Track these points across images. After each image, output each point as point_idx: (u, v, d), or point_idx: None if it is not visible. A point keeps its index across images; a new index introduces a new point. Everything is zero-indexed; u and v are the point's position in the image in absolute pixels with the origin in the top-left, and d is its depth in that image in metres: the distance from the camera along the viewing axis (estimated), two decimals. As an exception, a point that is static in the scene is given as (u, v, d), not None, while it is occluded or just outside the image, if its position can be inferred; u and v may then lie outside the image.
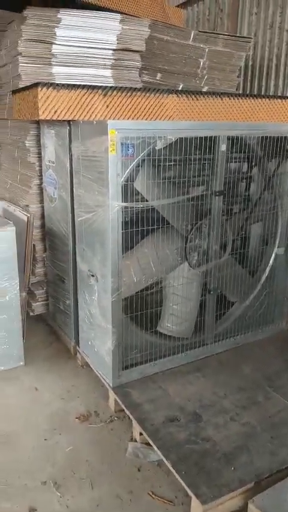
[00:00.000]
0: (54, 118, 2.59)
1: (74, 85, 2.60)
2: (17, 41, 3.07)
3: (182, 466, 2.22)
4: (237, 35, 4.78)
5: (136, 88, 2.83)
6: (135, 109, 2.77)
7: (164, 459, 2.28)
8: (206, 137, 2.74)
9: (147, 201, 2.68)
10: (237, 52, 4.09)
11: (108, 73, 3.36)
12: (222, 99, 3.05)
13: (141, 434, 2.52)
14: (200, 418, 2.57)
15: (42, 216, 3.55)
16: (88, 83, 2.92)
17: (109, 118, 2.71)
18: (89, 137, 2.65)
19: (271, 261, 3.41)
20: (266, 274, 3.40)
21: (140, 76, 3.55)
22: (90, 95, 2.62)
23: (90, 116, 2.66)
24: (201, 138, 2.74)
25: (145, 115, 2.81)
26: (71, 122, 2.85)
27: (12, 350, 3.26)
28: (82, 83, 2.78)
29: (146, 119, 2.82)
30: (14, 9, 3.40)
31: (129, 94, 2.72)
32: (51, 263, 3.54)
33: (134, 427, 2.59)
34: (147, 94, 2.78)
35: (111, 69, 3.37)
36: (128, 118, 2.76)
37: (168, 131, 2.61)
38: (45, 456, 2.50)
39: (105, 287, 2.70)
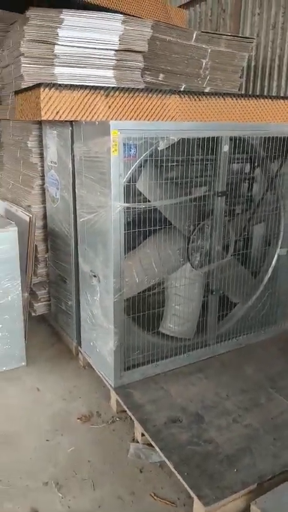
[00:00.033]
0: (57, 118, 2.59)
1: (76, 86, 2.59)
2: (20, 41, 3.07)
3: (184, 467, 2.21)
4: (240, 35, 4.78)
5: (138, 88, 2.82)
6: (137, 109, 2.77)
7: (166, 460, 2.27)
8: (208, 138, 2.74)
9: (149, 201, 2.67)
10: (240, 53, 4.09)
11: (110, 73, 3.36)
12: (224, 99, 3.04)
13: (143, 435, 2.52)
14: (202, 419, 2.57)
15: (44, 217, 3.55)
16: (90, 84, 2.92)
17: (111, 119, 2.70)
18: (91, 138, 2.64)
19: (274, 262, 3.40)
20: (269, 275, 3.40)
21: (142, 77, 3.55)
22: (92, 95, 2.62)
23: (93, 116, 2.66)
24: (203, 139, 2.74)
25: (147, 115, 2.80)
26: (73, 123, 2.85)
27: (14, 350, 3.26)
28: (84, 84, 2.78)
29: (149, 119, 2.81)
30: (16, 10, 3.41)
31: (131, 94, 2.72)
32: (53, 263, 3.54)
33: (136, 428, 2.59)
34: (150, 95, 2.77)
35: (114, 70, 3.37)
36: (130, 119, 2.75)
37: (171, 132, 2.60)
38: (47, 456, 2.49)
39: (107, 288, 2.70)
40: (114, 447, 2.56)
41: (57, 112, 2.57)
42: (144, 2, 3.69)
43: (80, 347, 3.31)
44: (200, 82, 3.96)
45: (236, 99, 3.11)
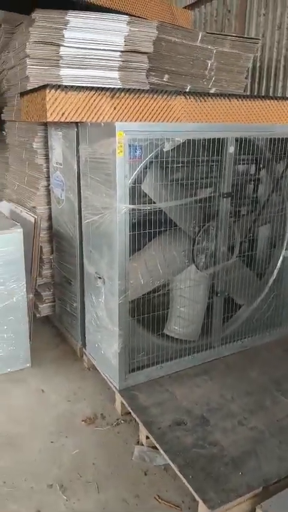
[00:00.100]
0: (62, 120, 2.59)
1: (81, 87, 2.60)
2: (25, 43, 3.08)
3: (189, 471, 2.20)
4: (245, 36, 4.77)
5: (144, 89, 2.82)
6: (142, 110, 2.77)
7: (171, 463, 2.26)
8: (213, 139, 2.73)
9: (154, 203, 2.67)
10: (245, 53, 4.08)
11: (115, 74, 3.36)
12: (230, 100, 3.04)
13: (147, 437, 2.51)
14: (207, 422, 2.55)
15: (50, 218, 3.55)
16: (96, 85, 2.92)
17: (117, 120, 2.70)
18: (97, 139, 2.64)
19: (279, 264, 3.38)
20: (274, 277, 3.38)
21: (147, 78, 3.55)
22: (98, 97, 2.62)
23: (98, 118, 2.66)
24: (209, 140, 2.73)
25: (153, 116, 2.80)
26: (79, 124, 2.85)
27: (19, 351, 3.26)
28: (90, 85, 2.77)
29: (154, 121, 2.81)
30: (22, 12, 3.42)
31: (136, 95, 2.72)
32: (58, 265, 3.54)
33: (141, 430, 2.58)
34: (155, 96, 2.77)
35: (119, 71, 3.37)
36: (135, 120, 2.75)
37: (176, 133, 2.59)
38: (51, 458, 2.49)
39: (112, 289, 2.69)
40: (118, 449, 2.56)
41: (63, 114, 2.57)
42: (150, 3, 3.69)
43: (85, 349, 3.30)
44: (205, 83, 3.95)
45: (242, 100, 3.10)
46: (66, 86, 2.56)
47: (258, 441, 2.41)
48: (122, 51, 3.31)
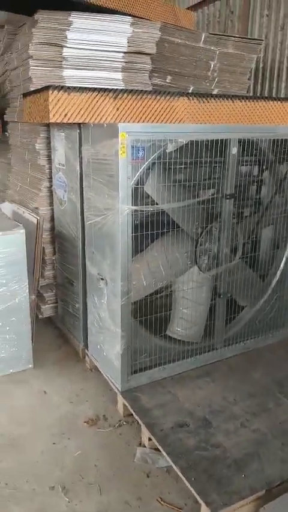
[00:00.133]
0: (65, 121, 2.59)
1: (84, 88, 2.60)
2: (28, 44, 3.08)
3: (192, 473, 2.19)
4: (248, 37, 4.76)
5: (147, 90, 2.82)
6: (145, 111, 2.76)
7: (173, 465, 2.26)
8: (216, 140, 2.72)
9: (157, 204, 2.66)
10: (248, 54, 4.07)
11: (118, 75, 3.36)
12: (233, 101, 3.03)
13: (150, 439, 2.50)
14: (209, 424, 2.54)
15: (52, 219, 3.55)
16: (99, 86, 2.92)
17: (119, 121, 2.70)
18: (99, 140, 2.64)
19: (282, 265, 3.37)
20: (277, 278, 3.37)
21: (150, 79, 3.55)
22: (100, 98, 2.62)
23: (101, 119, 2.66)
24: (212, 141, 2.72)
25: (156, 117, 2.80)
26: (81, 125, 2.85)
27: (21, 352, 3.26)
28: (93, 86, 2.78)
29: (157, 122, 2.81)
30: (25, 13, 3.42)
31: (139, 96, 2.72)
32: (60, 266, 3.54)
33: (143, 432, 2.57)
34: (158, 97, 2.77)
35: (122, 72, 3.36)
36: (138, 121, 2.75)
37: (179, 134, 2.59)
38: (53, 460, 2.48)
39: (115, 291, 2.69)
40: (121, 451, 2.55)
41: (66, 115, 2.57)
42: (153, 4, 3.69)
43: (87, 350, 3.30)
44: (208, 84, 3.94)
45: (245, 101, 3.10)
46: (68, 87, 2.56)
47: (261, 444, 2.40)
48: (125, 53, 3.31)
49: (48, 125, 3.35)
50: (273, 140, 2.99)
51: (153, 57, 3.49)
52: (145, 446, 2.55)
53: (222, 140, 2.75)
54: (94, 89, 2.61)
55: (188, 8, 5.85)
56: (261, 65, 5.19)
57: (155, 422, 2.54)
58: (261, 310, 3.33)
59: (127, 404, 2.73)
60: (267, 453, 2.33)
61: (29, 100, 2.93)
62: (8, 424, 2.77)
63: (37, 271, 3.43)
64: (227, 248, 2.98)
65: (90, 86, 2.89)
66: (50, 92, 2.50)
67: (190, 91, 3.83)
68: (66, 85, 3.04)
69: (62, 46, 3.12)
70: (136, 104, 2.72)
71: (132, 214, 2.54)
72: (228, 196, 2.87)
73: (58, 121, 2.58)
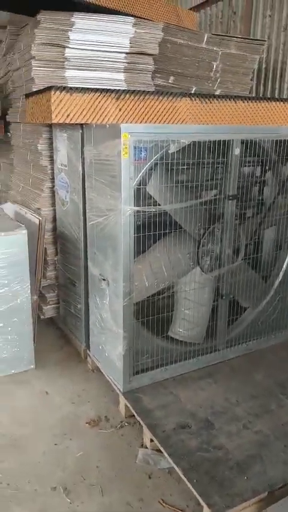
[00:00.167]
0: (67, 121, 2.59)
1: (87, 89, 2.60)
2: (31, 44, 3.08)
3: (194, 474, 2.18)
4: (251, 37, 4.75)
5: (149, 91, 2.81)
6: (148, 112, 2.76)
7: (175, 466, 2.25)
8: (219, 141, 2.72)
9: (159, 205, 2.66)
10: (251, 55, 4.06)
11: (121, 76, 3.36)
12: (235, 102, 3.03)
13: (151, 440, 2.50)
14: (211, 425, 2.54)
15: (54, 219, 3.55)
16: (101, 87, 2.92)
17: (122, 122, 2.70)
18: (102, 141, 2.64)
19: (284, 266, 3.36)
20: (280, 279, 3.36)
21: (152, 79, 3.54)
22: (103, 98, 2.62)
23: (103, 119, 2.65)
24: (214, 142, 2.71)
25: (158, 118, 2.80)
26: (84, 126, 2.85)
27: (23, 353, 3.26)
28: (95, 87, 2.78)
29: (159, 122, 2.81)
30: (27, 13, 3.42)
31: (142, 97, 2.71)
32: (62, 266, 3.54)
33: (145, 433, 2.57)
34: (160, 97, 2.77)
35: (124, 72, 3.36)
36: (140, 122, 2.75)
37: (181, 135, 2.58)
38: (55, 461, 2.48)
39: (117, 291, 2.68)
40: (122, 452, 2.54)
41: (68, 115, 2.57)
42: (155, 5, 3.69)
43: (89, 351, 3.30)
44: (210, 84, 3.94)
45: (247, 102, 3.09)
46: (71, 88, 2.56)
47: (264, 446, 2.39)
48: (127, 53, 3.31)
49: (50, 125, 3.35)
50: (276, 141, 2.99)
51: (156, 58, 3.49)
52: (147, 447, 2.55)
53: (224, 141, 2.74)
54: (96, 90, 2.60)
55: (190, 9, 5.85)
56: (263, 66, 5.19)
57: (157, 423, 2.53)
58: (263, 311, 3.33)
59: (129, 405, 2.72)
60: (270, 455, 2.33)
61: (31, 100, 2.93)
62: (10, 425, 2.77)
63: (39, 272, 3.43)
64: (230, 249, 2.97)
65: (92, 86, 2.89)
66: (53, 92, 2.50)
67: (193, 92, 3.83)
68: (69, 85, 3.04)
69: (64, 47, 3.12)
70: (138, 105, 2.71)
71: (134, 215, 2.53)
72: (230, 197, 2.86)
73: (60, 122, 2.58)
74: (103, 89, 2.63)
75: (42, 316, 3.69)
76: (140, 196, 2.55)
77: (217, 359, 3.17)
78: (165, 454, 2.34)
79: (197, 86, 3.86)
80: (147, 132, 2.48)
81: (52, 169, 3.45)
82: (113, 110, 2.66)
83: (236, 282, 3.10)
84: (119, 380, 2.83)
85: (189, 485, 2.14)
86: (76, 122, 2.64)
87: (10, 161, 4.32)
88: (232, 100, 3.02)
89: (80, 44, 3.14)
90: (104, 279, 2.82)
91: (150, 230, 2.66)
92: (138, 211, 2.55)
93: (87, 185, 2.93)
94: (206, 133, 2.70)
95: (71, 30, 3.08)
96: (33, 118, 2.93)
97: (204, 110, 2.92)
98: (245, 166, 3.04)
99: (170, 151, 2.58)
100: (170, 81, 3.70)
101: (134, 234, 2.56)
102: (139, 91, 2.73)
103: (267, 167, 3.17)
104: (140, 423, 2.62)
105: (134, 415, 2.68)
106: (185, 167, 2.77)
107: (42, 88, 2.76)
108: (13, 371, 3.25)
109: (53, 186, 3.48)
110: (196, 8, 6.02)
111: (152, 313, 2.81)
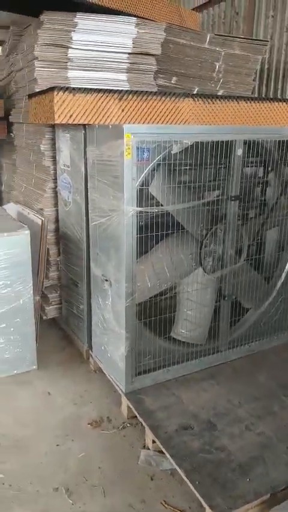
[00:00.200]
0: (70, 122, 2.59)
1: (89, 89, 2.59)
2: (34, 45, 3.08)
3: (196, 476, 2.18)
4: (253, 38, 4.75)
5: (152, 91, 2.81)
6: (150, 112, 2.76)
7: (177, 468, 2.24)
8: (222, 142, 2.71)
9: (162, 205, 2.65)
10: (254, 55, 4.06)
11: (123, 76, 3.36)
12: (238, 103, 3.02)
13: (154, 441, 2.49)
14: (214, 427, 2.53)
15: (57, 220, 3.55)
16: (104, 87, 2.91)
17: (125, 122, 2.70)
18: (105, 142, 2.63)
19: (287, 267, 3.35)
20: (282, 280, 3.35)
21: (155, 80, 3.54)
22: (105, 99, 2.62)
23: (106, 120, 2.65)
24: (217, 142, 2.71)
25: (161, 118, 2.79)
26: (87, 126, 2.85)
27: (25, 353, 3.26)
28: (98, 87, 2.77)
29: (162, 123, 2.80)
30: (30, 14, 3.42)
31: (144, 97, 2.71)
32: (65, 267, 3.54)
33: (147, 434, 2.56)
34: (163, 98, 2.76)
35: (127, 73, 3.36)
36: (143, 122, 2.74)
37: (184, 135, 2.58)
38: (57, 462, 2.48)
39: (119, 292, 2.68)
40: (124, 453, 2.54)
41: (71, 116, 2.57)
42: (158, 5, 3.68)
43: (91, 351, 3.29)
44: (213, 85, 3.93)
45: (250, 102, 3.09)
46: (74, 88, 2.56)
47: (266, 447, 2.39)
48: (130, 54, 3.31)
49: (53, 126, 3.35)
50: (279, 141, 2.98)
51: (159, 58, 3.49)
52: (149, 449, 2.54)
53: (227, 141, 2.73)
54: (99, 90, 2.60)
55: (193, 9, 5.85)
56: (266, 66, 5.18)
57: (159, 425, 2.53)
58: (266, 312, 3.32)
59: (131, 406, 2.72)
60: (272, 457, 2.32)
61: (34, 101, 2.93)
62: (12, 425, 2.76)
63: (41, 272, 3.43)
64: (232, 250, 2.97)
65: (95, 87, 2.89)
66: (55, 93, 2.50)
67: (195, 92, 3.83)
68: (72, 86, 3.03)
69: (67, 47, 3.12)
70: (141, 105, 2.71)
71: (137, 216, 2.53)
72: (233, 198, 2.86)
73: (63, 122, 2.58)
74: (106, 90, 2.63)
75: (44, 317, 3.69)
76: (143, 196, 2.54)
77: (219, 360, 3.16)
78: (168, 455, 2.33)
79: (200, 86, 3.85)
80: (149, 133, 2.48)
81: (55, 169, 3.45)
82: (115, 110, 2.66)
83: (238, 283, 3.10)
84: (121, 380, 2.83)
85: (191, 486, 2.13)
86: (79, 123, 2.64)
87: (13, 162, 4.32)
88: (235, 100, 3.01)
89: (83, 44, 3.14)
90: (106, 280, 2.81)
91: (153, 231, 2.66)
92: (140, 212, 2.55)
93: (89, 186, 2.92)
94: (208, 134, 2.69)
95: (74, 31, 3.08)
96: (36, 118, 2.93)
97: (207, 111, 2.92)
98: (248, 166, 3.04)
99: (172, 152, 2.57)
100: (172, 81, 3.70)
101: (137, 234, 2.56)
102: (142, 91, 2.72)
103: (269, 168, 3.17)
104: (142, 425, 2.61)
105: (136, 416, 2.68)
106: (188, 167, 2.76)
107: (45, 88, 2.76)
108: (15, 372, 3.24)
109: (56, 187, 3.48)
110: (199, 9, 6.03)
111: (154, 314, 2.81)
